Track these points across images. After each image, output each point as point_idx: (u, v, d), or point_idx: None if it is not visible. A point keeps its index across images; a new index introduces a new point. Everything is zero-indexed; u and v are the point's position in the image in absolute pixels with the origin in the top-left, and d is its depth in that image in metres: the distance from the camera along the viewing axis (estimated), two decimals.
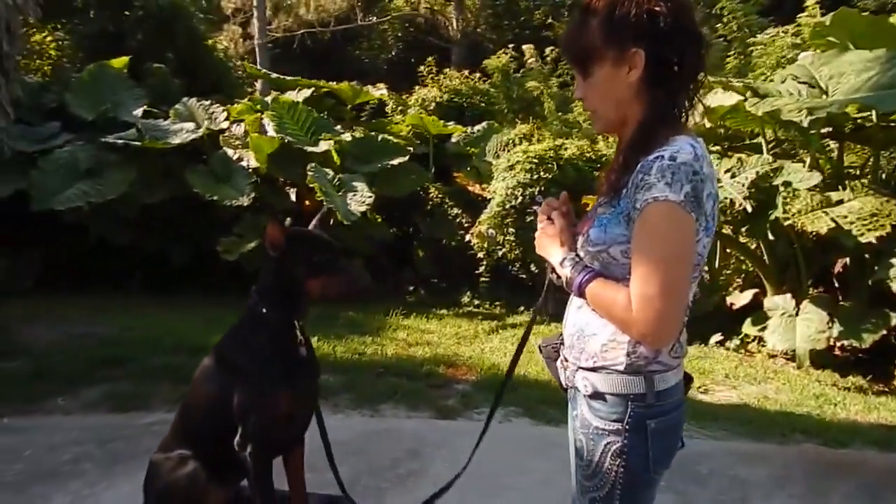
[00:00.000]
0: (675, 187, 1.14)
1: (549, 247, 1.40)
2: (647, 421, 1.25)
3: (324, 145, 6.24)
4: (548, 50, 10.99)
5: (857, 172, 5.51)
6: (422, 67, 9.49)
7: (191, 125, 6.42)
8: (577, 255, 1.33)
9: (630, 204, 1.20)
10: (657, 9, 1.18)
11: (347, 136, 6.75)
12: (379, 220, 6.95)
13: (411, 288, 6.85)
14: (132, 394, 3.47)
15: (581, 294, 1.29)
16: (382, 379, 3.95)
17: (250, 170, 6.24)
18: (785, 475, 2.85)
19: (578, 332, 1.34)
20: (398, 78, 13.73)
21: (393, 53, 17.08)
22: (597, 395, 1.29)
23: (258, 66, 11.85)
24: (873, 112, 4.47)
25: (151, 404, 3.35)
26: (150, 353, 4.12)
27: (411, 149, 7.11)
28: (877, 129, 4.72)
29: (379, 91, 8.13)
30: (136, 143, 6.01)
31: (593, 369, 1.29)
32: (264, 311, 1.85)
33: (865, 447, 3.26)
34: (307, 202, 6.60)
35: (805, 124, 4.55)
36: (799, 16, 7.84)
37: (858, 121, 4.89)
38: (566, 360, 1.39)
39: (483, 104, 8.91)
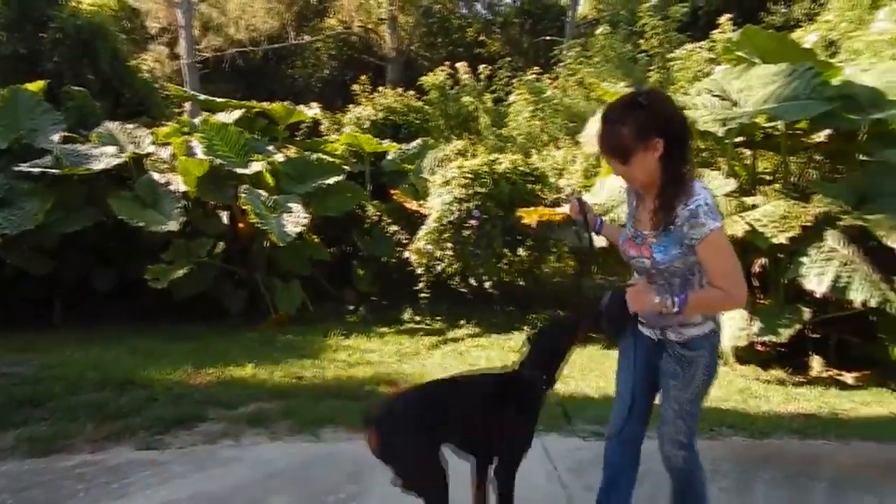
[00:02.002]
0: (716, 218, 1.87)
1: (647, 296, 1.97)
2: (715, 343, 2.05)
3: (256, 166, 6.13)
4: (481, 67, 11.22)
5: (770, 178, 5.86)
6: (356, 86, 9.48)
7: (113, 149, 6.18)
8: (665, 293, 1.96)
9: (683, 234, 1.88)
10: (668, 112, 1.92)
11: (281, 157, 6.67)
12: (316, 240, 6.87)
13: (352, 307, 6.79)
14: (52, 436, 3.27)
15: (680, 311, 1.92)
16: (322, 402, 3.88)
17: (179, 194, 6.05)
18: (714, 469, 2.96)
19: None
20: (333, 96, 13.70)
21: (327, 72, 17.01)
22: (691, 340, 2.03)
23: (187, 87, 11.56)
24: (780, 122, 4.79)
25: (73, 446, 3.16)
26: (73, 391, 3.89)
27: (347, 167, 7.08)
28: (784, 138, 5.04)
29: (312, 110, 8.07)
30: (54, 170, 5.72)
31: (682, 326, 2.02)
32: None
33: (787, 436, 3.44)
34: (241, 225, 6.46)
35: (720, 134, 4.81)
36: (713, 32, 8.33)
37: (768, 130, 5.22)
38: (650, 324, 2.10)
39: (418, 121, 8.99)
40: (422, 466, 2.13)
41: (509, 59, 11.95)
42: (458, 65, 11.05)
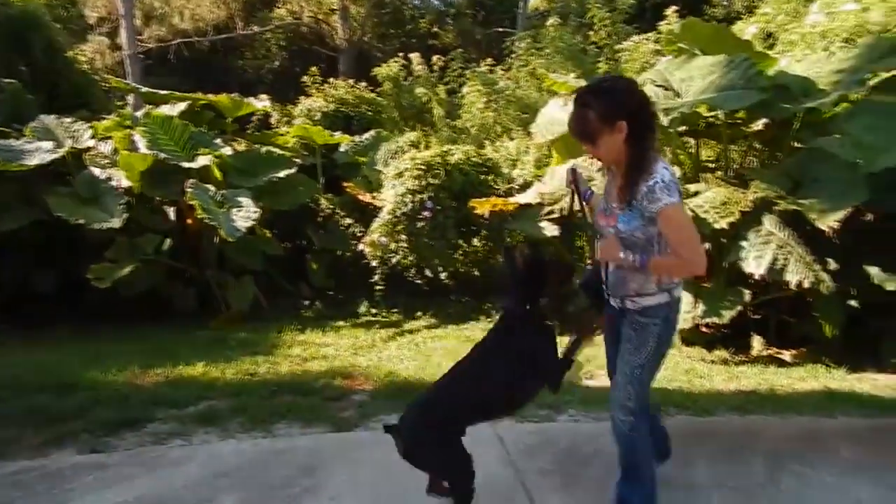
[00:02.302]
0: (672, 195, 2.05)
1: (614, 250, 2.17)
2: (669, 316, 2.23)
3: (203, 160, 5.98)
4: (435, 58, 11.19)
5: (714, 165, 6.06)
6: (306, 77, 9.32)
7: (50, 144, 5.92)
8: (629, 250, 2.15)
9: (643, 207, 2.08)
10: (632, 97, 2.10)
11: (229, 150, 6.51)
12: (268, 234, 6.76)
13: (307, 302, 6.72)
14: None
15: (643, 266, 2.13)
16: (275, 398, 3.84)
17: (121, 190, 5.85)
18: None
19: (619, 280, 2.25)
20: (285, 88, 13.43)
21: (278, 63, 16.67)
22: (645, 309, 2.21)
23: (129, 79, 11.15)
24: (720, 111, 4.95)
25: (11, 452, 3.04)
26: (12, 395, 3.74)
27: (298, 160, 6.98)
28: (724, 127, 5.21)
29: (262, 102, 7.90)
30: None
31: (638, 295, 2.21)
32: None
33: (728, 413, 3.60)
34: (189, 220, 6.30)
35: (665, 123, 4.93)
36: (659, 24, 8.53)
37: (710, 119, 5.39)
38: (613, 292, 2.29)
39: (371, 113, 8.91)
40: (446, 460, 2.29)
41: (462, 50, 11.94)
42: (411, 56, 11.00)
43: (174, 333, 5.69)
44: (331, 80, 9.50)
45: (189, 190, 5.55)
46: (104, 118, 7.00)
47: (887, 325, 4.37)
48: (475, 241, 6.76)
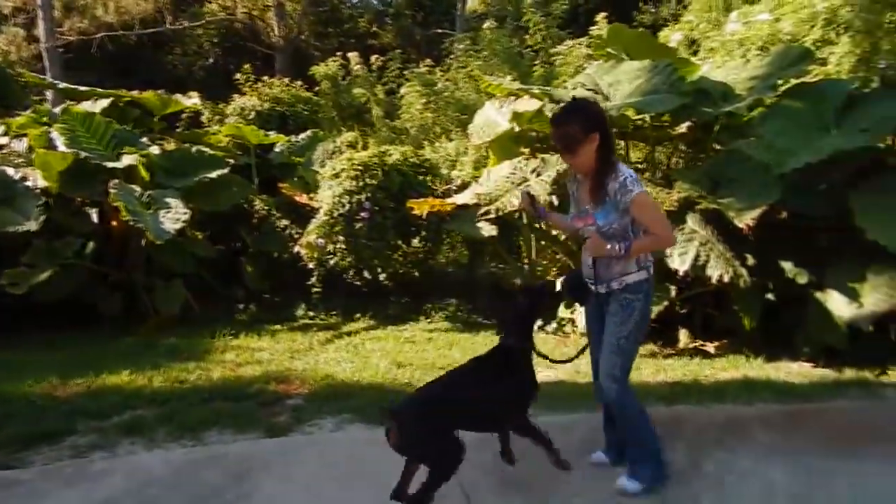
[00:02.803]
0: (639, 186, 2.49)
1: (602, 244, 2.52)
2: (649, 291, 2.63)
3: (127, 160, 5.72)
4: (374, 58, 11.12)
5: (643, 166, 6.30)
6: (238, 75, 9.06)
7: None
8: (612, 240, 2.52)
9: (618, 200, 2.48)
10: (599, 113, 2.58)
11: (156, 150, 6.26)
12: (200, 236, 6.55)
13: (241, 306, 6.53)
14: None
15: (627, 252, 2.49)
16: (207, 405, 3.72)
17: (38, 190, 5.53)
18: (591, 439, 3.15)
19: (605, 267, 2.59)
20: (218, 86, 13.00)
21: (211, 60, 16.14)
22: (629, 286, 2.57)
23: (47, 74, 10.54)
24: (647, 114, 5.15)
25: None
26: None
27: (231, 160, 6.80)
28: (651, 129, 5.43)
29: (191, 100, 7.63)
30: None
31: (623, 275, 2.57)
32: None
33: (655, 403, 3.74)
34: (114, 223, 6.02)
35: None
36: (591, 29, 8.78)
37: (637, 122, 5.60)
38: (600, 280, 2.61)
39: (307, 112, 8.76)
40: (437, 446, 2.43)
41: (401, 50, 11.91)
42: (349, 55, 10.88)
43: (99, 341, 5.43)
44: (265, 78, 9.26)
45: (113, 191, 5.30)
46: (18, 114, 6.59)
47: (800, 317, 4.65)
48: (415, 242, 6.76)
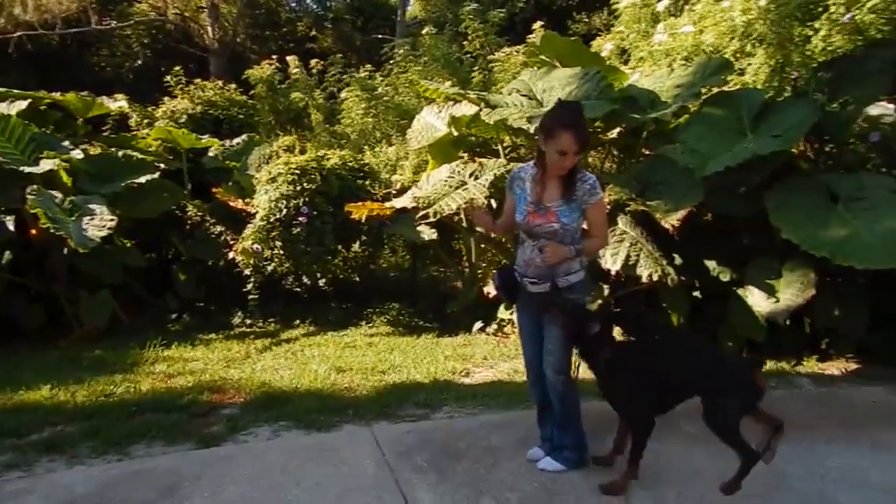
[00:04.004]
0: (600, 191, 2.70)
1: (559, 248, 2.66)
2: (585, 289, 2.83)
3: (47, 164, 5.43)
4: (313, 61, 10.99)
5: None
6: (168, 77, 8.75)
7: None
8: (563, 241, 2.68)
9: (583, 201, 2.66)
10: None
11: (80, 154, 5.97)
12: (128, 244, 6.28)
13: (174, 316, 6.31)
14: None
15: (579, 253, 2.71)
16: (134, 418, 3.58)
17: None
18: (527, 436, 3.22)
19: (553, 266, 2.69)
20: (149, 88, 12.50)
21: (140, 62, 15.53)
22: (572, 286, 2.73)
23: None
24: None
25: None
26: None
27: (162, 165, 6.56)
28: None
29: (117, 103, 7.32)
30: None
31: (567, 275, 2.72)
32: None
33: (589, 399, 3.84)
34: (33, 231, 5.69)
35: (531, 131, 5.21)
36: (528, 37, 8.98)
37: None
38: (543, 279, 2.73)
39: (242, 116, 8.55)
40: None
41: (342, 55, 11.82)
42: (288, 58, 10.71)
43: (16, 355, 5.13)
44: (197, 80, 8.98)
45: (30, 197, 5.02)
46: None
47: (723, 313, 4.89)
48: (355, 247, 6.72)
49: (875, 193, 4.19)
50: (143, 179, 6.01)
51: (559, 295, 2.72)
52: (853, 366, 4.50)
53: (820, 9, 5.14)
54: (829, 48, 5.17)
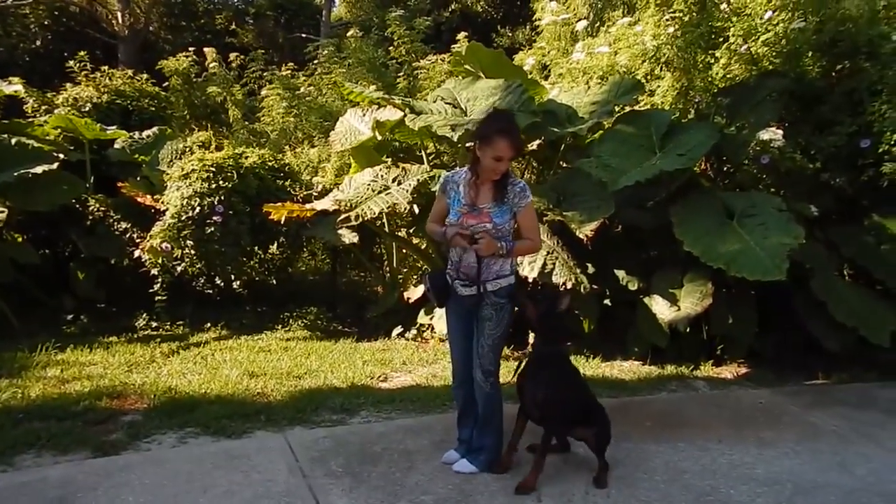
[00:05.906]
0: (530, 195, 2.82)
1: (493, 243, 2.73)
2: (513, 293, 2.87)
3: None
4: (233, 55, 10.60)
5: None
6: (71, 62, 8.15)
7: None
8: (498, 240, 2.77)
9: (514, 203, 2.78)
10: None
11: None
12: (20, 239, 5.79)
13: (70, 317, 5.87)
14: None
15: (509, 252, 2.79)
16: (21, 426, 3.30)
17: None
18: (443, 440, 3.26)
19: (485, 267, 2.79)
20: (49, 73, 11.63)
21: (38, 44, 14.39)
22: (501, 289, 2.82)
23: None
24: None
25: None
26: None
27: (62, 155, 6.10)
28: None
29: (12, 87, 6.75)
30: None
31: (498, 278, 2.81)
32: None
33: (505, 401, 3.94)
34: None
35: (454, 139, 5.29)
36: (453, 46, 9.10)
37: None
38: (473, 282, 2.81)
39: (153, 108, 8.11)
40: None
41: (264, 52, 11.48)
42: (206, 50, 10.27)
43: None
44: (104, 68, 8.42)
45: None
46: None
47: (631, 320, 5.16)
48: (272, 248, 6.53)
49: (765, 211, 4.57)
50: (38, 170, 5.56)
51: (490, 297, 2.80)
52: (744, 369, 4.87)
53: (721, 39, 5.56)
54: (728, 76, 5.60)
